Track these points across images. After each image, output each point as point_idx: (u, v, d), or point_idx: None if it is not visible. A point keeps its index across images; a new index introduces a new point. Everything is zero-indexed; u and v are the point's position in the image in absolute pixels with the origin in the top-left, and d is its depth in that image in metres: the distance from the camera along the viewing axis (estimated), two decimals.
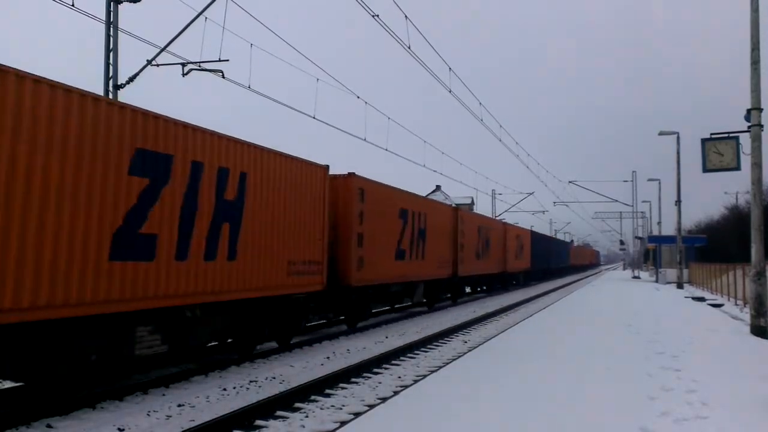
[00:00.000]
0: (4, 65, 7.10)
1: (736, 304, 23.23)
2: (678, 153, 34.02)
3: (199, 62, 15.04)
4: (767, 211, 18.94)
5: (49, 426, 7.64)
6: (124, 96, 14.99)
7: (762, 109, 13.99)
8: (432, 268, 22.87)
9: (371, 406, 8.14)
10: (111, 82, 14.66)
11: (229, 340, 12.53)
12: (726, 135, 15.25)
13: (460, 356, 11.52)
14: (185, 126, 9.93)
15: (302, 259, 13.35)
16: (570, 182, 52.97)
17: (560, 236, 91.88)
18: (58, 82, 7.72)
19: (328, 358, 12.72)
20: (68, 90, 7.84)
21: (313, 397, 9.26)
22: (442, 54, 18.86)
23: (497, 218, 46.98)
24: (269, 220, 12.14)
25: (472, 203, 64.51)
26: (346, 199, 16.02)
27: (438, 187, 65.19)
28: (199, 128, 10.24)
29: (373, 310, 21.32)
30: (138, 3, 14.82)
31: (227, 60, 14.94)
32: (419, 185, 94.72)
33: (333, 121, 18.65)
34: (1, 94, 7.03)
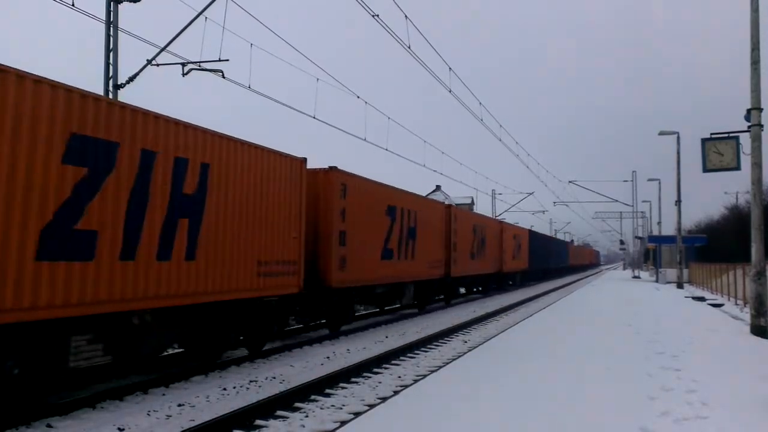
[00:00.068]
0: None
1: (736, 304, 23.23)
2: (678, 153, 34.04)
3: (199, 62, 15.04)
4: (767, 210, 18.94)
5: (49, 426, 7.64)
6: (125, 96, 15.00)
7: (762, 109, 14.00)
8: (422, 268, 22.02)
9: (371, 406, 8.14)
10: (111, 82, 14.67)
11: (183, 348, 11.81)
12: (726, 135, 15.25)
13: (460, 356, 11.52)
14: (134, 111, 8.88)
15: (275, 259, 12.32)
16: (570, 182, 53.10)
17: (560, 236, 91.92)
18: None
19: (328, 358, 12.72)
20: None
21: (313, 397, 9.26)
22: (442, 54, 18.88)
23: (497, 218, 46.91)
24: (236, 217, 11.15)
25: (472, 203, 64.51)
26: (327, 194, 15.18)
27: (438, 187, 65.17)
28: (151, 113, 9.21)
29: (359, 313, 20.88)
30: (138, 3, 14.83)
31: (227, 60, 14.96)
32: (419, 185, 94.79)
33: (333, 121, 18.67)
34: None
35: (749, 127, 14.08)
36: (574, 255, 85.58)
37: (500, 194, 59.39)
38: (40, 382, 7.90)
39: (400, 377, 10.81)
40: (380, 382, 10.36)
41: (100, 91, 14.10)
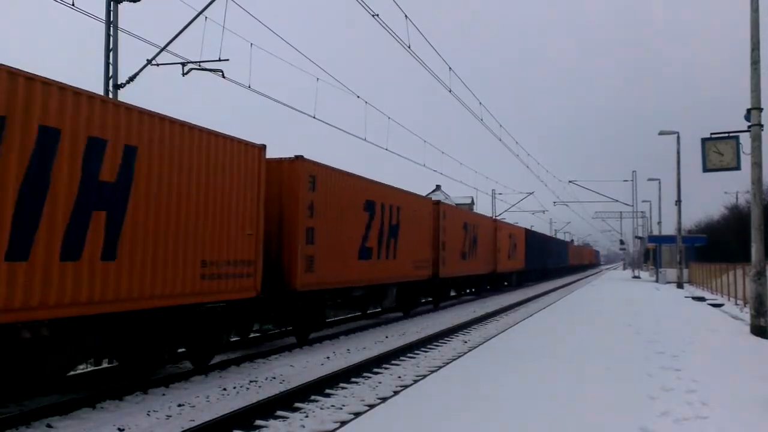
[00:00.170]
0: None
1: (736, 304, 23.23)
2: (678, 153, 34.04)
3: (199, 62, 15.02)
4: (767, 210, 18.94)
5: (49, 426, 7.64)
6: (125, 95, 14.99)
7: (762, 109, 14.00)
8: (406, 268, 20.28)
9: (371, 406, 8.15)
10: (111, 82, 14.65)
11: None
12: (726, 135, 15.25)
13: (460, 356, 11.52)
14: (28, 79, 7.37)
15: (224, 259, 10.84)
16: (570, 182, 53.06)
17: (560, 236, 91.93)
18: None
19: (328, 358, 12.73)
20: None
21: (313, 397, 9.26)
22: (442, 54, 18.89)
23: (494, 217, 46.72)
24: (173, 210, 9.62)
25: (472, 203, 64.56)
26: (292, 187, 13.57)
27: (438, 187, 65.24)
28: (54, 83, 7.69)
29: (331, 319, 18.89)
30: (138, 3, 14.81)
31: (227, 60, 14.93)
32: (419, 185, 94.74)
33: (333, 121, 18.64)
34: None
35: (749, 126, 14.09)
36: (573, 255, 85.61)
37: (500, 194, 59.41)
38: None
39: (400, 377, 10.82)
40: (380, 382, 10.37)
41: (101, 91, 14.09)
